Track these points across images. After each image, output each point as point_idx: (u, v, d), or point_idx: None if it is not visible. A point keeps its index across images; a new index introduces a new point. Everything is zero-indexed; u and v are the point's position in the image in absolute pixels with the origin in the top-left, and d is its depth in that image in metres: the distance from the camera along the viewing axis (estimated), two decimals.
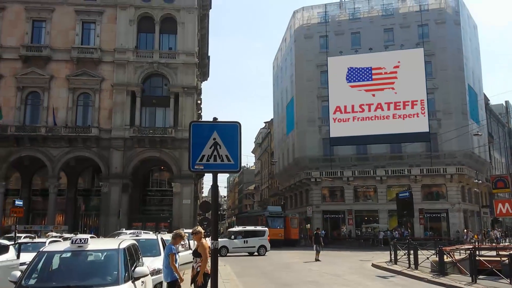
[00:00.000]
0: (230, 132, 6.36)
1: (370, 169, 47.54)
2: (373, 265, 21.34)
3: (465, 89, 47.66)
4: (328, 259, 25.67)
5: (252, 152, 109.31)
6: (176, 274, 8.67)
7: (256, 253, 29.66)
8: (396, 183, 46.92)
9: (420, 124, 45.42)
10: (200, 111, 57.18)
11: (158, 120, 41.54)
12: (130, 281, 6.89)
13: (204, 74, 56.46)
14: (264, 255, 29.28)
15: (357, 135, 46.62)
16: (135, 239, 9.89)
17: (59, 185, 39.62)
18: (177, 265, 8.82)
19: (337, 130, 47.64)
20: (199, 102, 53.47)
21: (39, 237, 22.76)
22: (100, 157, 39.25)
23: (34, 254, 9.03)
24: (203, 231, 9.01)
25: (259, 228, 32.36)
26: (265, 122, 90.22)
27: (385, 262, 21.16)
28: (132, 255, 7.82)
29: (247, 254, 29.92)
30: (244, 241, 30.04)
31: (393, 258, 20.80)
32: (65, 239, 14.49)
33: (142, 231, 15.81)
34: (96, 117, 39.88)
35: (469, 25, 53.14)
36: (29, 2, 40.74)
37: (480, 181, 49.28)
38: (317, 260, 24.26)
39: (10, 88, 39.32)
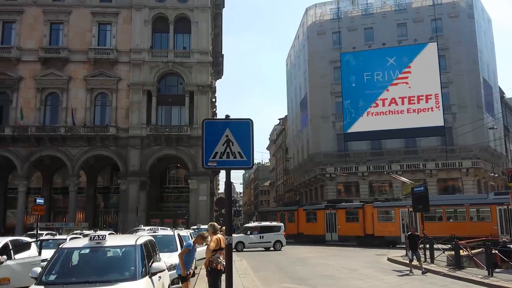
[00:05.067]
0: (243, 129, 6.47)
1: (385, 164, 47.27)
2: (389, 259, 21.36)
3: (480, 83, 46.99)
4: (344, 253, 25.73)
5: (267, 148, 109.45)
6: (181, 268, 8.92)
7: (272, 248, 29.88)
8: (411, 178, 46.54)
9: (434, 118, 44.92)
10: (214, 109, 57.53)
11: (174, 119, 42.05)
12: (147, 276, 7.06)
13: (218, 72, 56.77)
14: (280, 250, 29.48)
15: (372, 130, 46.34)
16: (152, 235, 10.14)
17: (79, 183, 40.43)
18: (193, 261, 9.09)
19: (354, 125, 47.52)
20: (213, 100, 53.80)
21: (60, 234, 23.36)
22: (118, 156, 39.94)
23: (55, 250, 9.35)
24: (219, 227, 9.24)
25: (274, 223, 32.56)
26: (279, 119, 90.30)
27: (401, 256, 21.14)
28: (149, 251, 8.00)
29: (263, 249, 30.15)
30: (260, 236, 30.30)
31: (409, 253, 20.71)
32: (85, 235, 14.91)
33: (160, 228, 16.17)
34: (114, 117, 40.56)
35: (483, 18, 52.33)
36: (46, 5, 41.53)
37: (496, 175, 48.65)
38: (423, 271, 16.52)
39: (30, 90, 40.19)
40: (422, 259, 17.89)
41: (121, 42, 41.66)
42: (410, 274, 16.21)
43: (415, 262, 16.82)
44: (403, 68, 46.56)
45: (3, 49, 40.47)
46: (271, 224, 32.42)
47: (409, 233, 17.41)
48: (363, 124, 46.87)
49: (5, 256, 12.18)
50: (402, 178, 37.96)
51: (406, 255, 19.80)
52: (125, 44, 41.59)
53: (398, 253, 22.72)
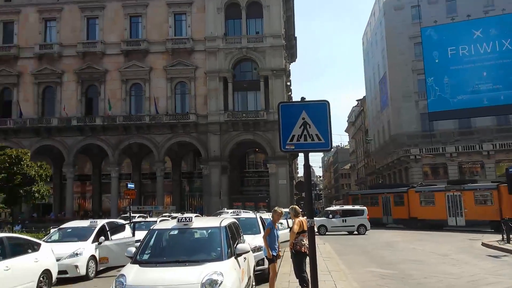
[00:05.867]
0: (319, 111, 6.35)
1: (476, 143, 44.08)
2: (483, 244, 19.92)
3: None
4: (434, 238, 24.50)
5: (346, 131, 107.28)
6: (266, 250, 8.97)
7: (356, 232, 29.35)
8: (505, 158, 43.02)
9: None
10: (290, 93, 57.20)
11: (250, 104, 42.57)
12: (233, 257, 7.20)
13: (292, 55, 56.23)
14: (364, 234, 28.82)
15: (459, 108, 43.16)
16: (235, 218, 10.32)
17: (165, 168, 42.53)
18: (277, 241, 9.10)
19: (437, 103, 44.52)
20: (288, 83, 53.50)
21: (150, 216, 24.72)
22: (199, 142, 41.33)
23: (147, 232, 9.85)
24: (300, 210, 9.17)
25: (357, 207, 31.85)
26: (357, 100, 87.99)
27: (497, 241, 19.62)
28: (234, 232, 8.14)
29: (346, 233, 29.70)
30: (343, 220, 29.84)
31: (505, 237, 19.22)
32: (174, 218, 15.59)
33: (242, 210, 16.43)
34: (193, 104, 41.91)
35: None
36: None
37: None
38: None
39: (115, 82, 42.72)
40: None
41: (196, 31, 42.67)
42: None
43: None
44: (491, 41, 42.47)
45: (90, 44, 43.24)
46: (353, 207, 31.73)
47: None
48: (449, 102, 43.84)
49: (103, 237, 13.13)
50: None
51: (503, 239, 18.38)
52: (200, 32, 42.55)
53: (494, 238, 21.12)
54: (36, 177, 23.68)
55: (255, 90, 42.26)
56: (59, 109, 42.14)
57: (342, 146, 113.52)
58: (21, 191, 23.03)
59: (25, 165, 23.35)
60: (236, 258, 7.32)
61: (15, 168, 22.60)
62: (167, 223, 8.89)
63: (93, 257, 12.60)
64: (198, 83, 42.19)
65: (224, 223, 7.85)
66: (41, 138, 41.74)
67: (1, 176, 18.27)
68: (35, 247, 10.34)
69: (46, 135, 41.70)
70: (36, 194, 23.65)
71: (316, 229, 20.63)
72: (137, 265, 6.85)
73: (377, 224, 34.54)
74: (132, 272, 6.60)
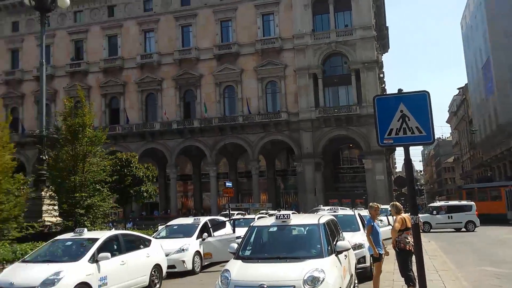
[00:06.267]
0: (419, 102, 6.11)
1: None
2: None
3: None
4: None
5: (447, 122, 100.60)
6: (371, 248, 8.74)
7: (463, 229, 27.45)
8: None
9: None
10: (383, 85, 55.13)
11: (342, 99, 41.78)
12: (333, 255, 7.13)
13: (383, 46, 54.11)
14: (473, 231, 26.86)
15: None
16: (333, 215, 10.20)
17: (259, 167, 43.44)
18: (380, 238, 8.85)
19: None
20: (381, 75, 51.56)
21: (248, 214, 25.41)
22: (292, 139, 41.57)
23: (245, 229, 10.15)
24: (401, 206, 8.84)
25: (464, 202, 29.77)
26: (458, 88, 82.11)
27: None
28: (332, 230, 8.05)
29: (452, 230, 27.90)
30: (449, 216, 28.12)
31: None
32: (271, 215, 15.86)
33: (339, 207, 16.20)
34: (284, 102, 42.25)
35: None
36: (216, 5, 45.15)
37: None
38: None
39: (210, 85, 44.52)
40: None
41: (284, 30, 42.88)
42: None
43: None
44: None
45: (185, 51, 45.53)
46: (460, 203, 29.75)
47: None
48: None
49: (206, 234, 13.77)
50: None
51: None
52: (288, 31, 42.69)
53: None
54: (144, 178, 25.64)
55: (346, 85, 41.43)
56: (160, 114, 45.06)
57: (444, 138, 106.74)
58: (131, 191, 25.03)
59: (134, 167, 25.38)
60: (336, 255, 7.25)
61: (125, 170, 24.64)
62: (265, 220, 9.06)
63: (198, 252, 13.25)
64: (288, 81, 42.42)
65: (323, 220, 7.80)
66: (146, 142, 44.97)
67: (113, 178, 20.00)
68: (146, 243, 11.09)
69: (150, 139, 44.86)
70: (145, 194, 25.59)
71: None
72: (240, 261, 7.06)
73: (498, 220, 31.54)
74: (235, 267, 6.82)
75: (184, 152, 45.71)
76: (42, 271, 8.44)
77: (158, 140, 44.68)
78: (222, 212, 29.58)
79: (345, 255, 7.74)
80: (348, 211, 14.18)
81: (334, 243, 7.47)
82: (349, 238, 9.63)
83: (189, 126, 43.60)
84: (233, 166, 46.85)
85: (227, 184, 23.68)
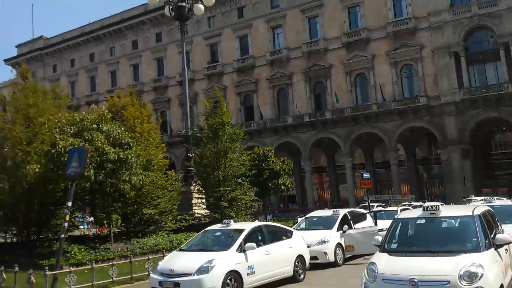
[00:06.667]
0: None
1: None
2: None
3: None
4: None
5: None
6: None
7: None
8: None
9: None
10: None
11: (490, 77, 37.86)
12: (492, 248, 6.66)
13: None
14: None
15: None
16: (489, 205, 9.32)
17: (398, 156, 41.39)
18: None
19: None
20: None
21: (389, 206, 24.46)
22: (433, 125, 38.87)
23: (387, 221, 9.75)
24: None
25: None
26: None
27: None
28: (490, 222, 7.52)
29: None
30: None
31: None
32: (414, 207, 15.01)
33: (495, 197, 14.59)
34: (422, 86, 39.71)
35: None
36: None
37: None
38: None
39: (340, 75, 43.81)
40: None
41: (418, 8, 40.21)
42: None
43: None
44: None
45: (313, 43, 45.42)
46: None
47: None
48: None
49: (346, 226, 13.63)
50: None
51: None
52: (422, 9, 39.95)
53: None
54: (281, 171, 26.56)
55: (494, 61, 37.35)
56: (292, 108, 45.82)
57: None
58: (270, 184, 26.09)
59: (271, 161, 26.45)
60: (496, 249, 6.72)
61: (263, 164, 25.84)
62: (410, 212, 8.64)
63: (339, 244, 13.17)
64: (425, 63, 39.65)
65: (478, 211, 7.29)
66: (280, 136, 46.15)
67: (252, 172, 21.06)
68: (288, 234, 11.38)
69: (283, 133, 45.92)
70: (282, 187, 26.50)
71: None
72: (386, 254, 6.90)
73: None
74: (382, 260, 6.68)
75: (317, 145, 45.81)
76: (197, 259, 9.19)
77: (291, 134, 45.51)
78: (361, 204, 28.99)
79: (506, 249, 7.17)
80: (506, 201, 12.73)
81: (492, 236, 6.94)
82: (509, 231, 8.67)
83: (321, 118, 43.55)
84: (369, 157, 45.53)
85: (364, 175, 23.11)
